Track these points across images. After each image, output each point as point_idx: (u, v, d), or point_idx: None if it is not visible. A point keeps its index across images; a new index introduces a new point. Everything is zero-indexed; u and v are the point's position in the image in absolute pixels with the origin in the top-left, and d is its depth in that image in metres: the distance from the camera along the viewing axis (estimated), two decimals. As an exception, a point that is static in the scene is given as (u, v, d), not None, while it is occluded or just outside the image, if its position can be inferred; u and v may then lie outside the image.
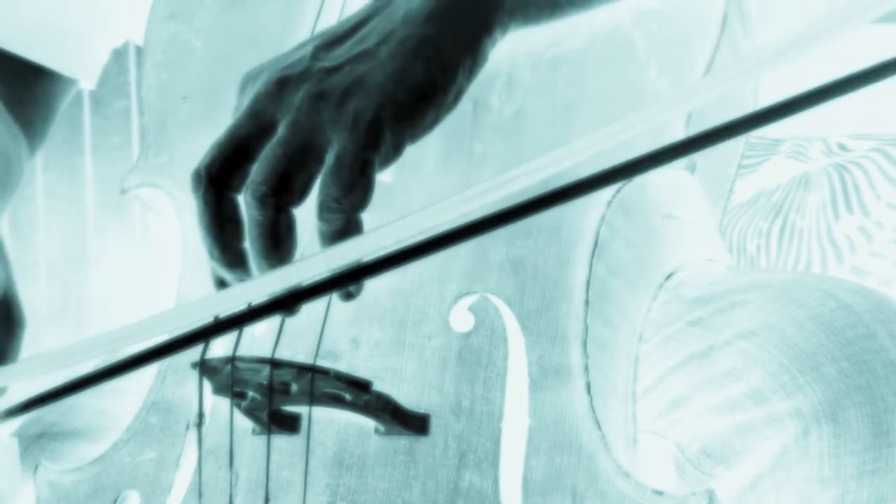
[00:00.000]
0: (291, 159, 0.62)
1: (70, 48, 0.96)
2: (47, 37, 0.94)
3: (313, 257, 0.61)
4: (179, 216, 0.81)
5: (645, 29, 0.76)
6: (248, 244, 0.64)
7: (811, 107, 0.48)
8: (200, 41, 0.86)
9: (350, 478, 0.71)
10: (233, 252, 0.65)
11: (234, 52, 0.85)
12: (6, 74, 0.94)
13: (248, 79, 0.67)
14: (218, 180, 0.64)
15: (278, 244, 0.63)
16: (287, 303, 0.63)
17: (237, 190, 0.64)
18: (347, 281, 0.61)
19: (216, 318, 0.58)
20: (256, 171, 0.62)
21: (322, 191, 0.62)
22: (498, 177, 0.58)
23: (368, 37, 0.65)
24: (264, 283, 0.60)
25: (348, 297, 0.66)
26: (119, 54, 1.03)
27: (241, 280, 0.66)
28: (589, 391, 0.71)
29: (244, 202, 0.63)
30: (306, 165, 0.62)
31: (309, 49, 0.66)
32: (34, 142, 0.97)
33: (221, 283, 0.68)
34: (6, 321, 0.72)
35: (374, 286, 0.66)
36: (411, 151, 0.66)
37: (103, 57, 0.99)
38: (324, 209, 0.61)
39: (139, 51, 1.06)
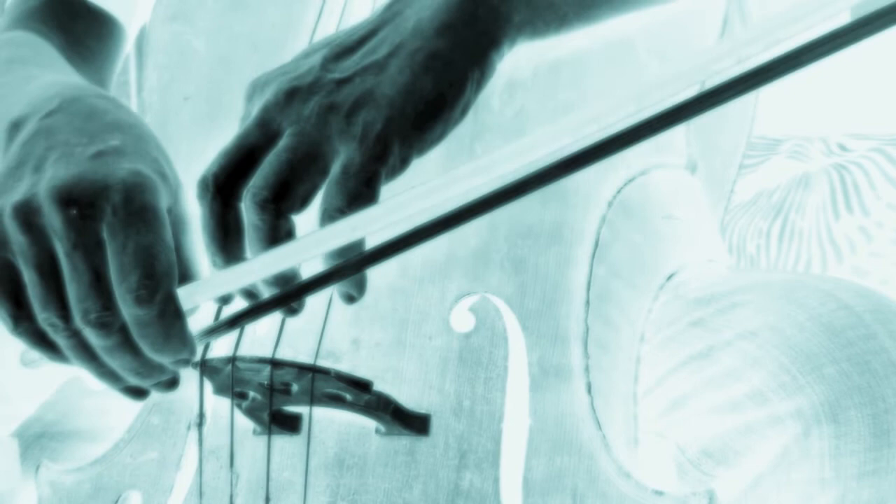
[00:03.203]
0: (296, 167, 0.62)
1: None
2: None
3: (317, 232, 0.60)
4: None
5: (645, 30, 0.76)
6: (248, 250, 0.64)
7: (807, 64, 0.49)
8: (202, 42, 0.86)
9: (351, 478, 0.71)
10: (236, 261, 0.65)
11: (235, 53, 0.85)
12: (79, 24, 0.94)
13: (256, 87, 0.67)
14: (224, 188, 0.64)
15: None
16: (291, 298, 0.63)
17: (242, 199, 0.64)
18: (348, 271, 0.61)
19: (217, 319, 0.57)
20: (259, 175, 0.62)
21: (326, 200, 0.61)
22: (494, 153, 0.58)
23: (378, 48, 0.65)
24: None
25: (350, 300, 0.65)
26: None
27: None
28: (590, 391, 0.71)
29: (244, 207, 0.63)
30: (310, 175, 0.62)
31: (318, 59, 0.65)
32: None
33: None
34: (181, 225, 0.68)
35: (375, 286, 0.66)
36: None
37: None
38: (326, 218, 0.61)
39: (139, 51, 1.06)
